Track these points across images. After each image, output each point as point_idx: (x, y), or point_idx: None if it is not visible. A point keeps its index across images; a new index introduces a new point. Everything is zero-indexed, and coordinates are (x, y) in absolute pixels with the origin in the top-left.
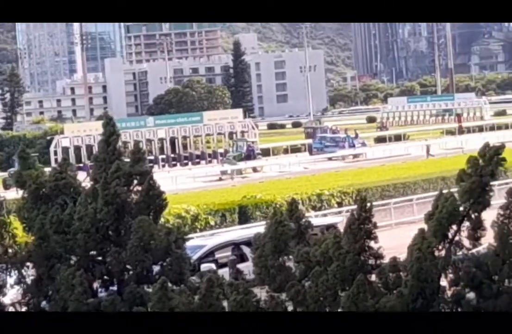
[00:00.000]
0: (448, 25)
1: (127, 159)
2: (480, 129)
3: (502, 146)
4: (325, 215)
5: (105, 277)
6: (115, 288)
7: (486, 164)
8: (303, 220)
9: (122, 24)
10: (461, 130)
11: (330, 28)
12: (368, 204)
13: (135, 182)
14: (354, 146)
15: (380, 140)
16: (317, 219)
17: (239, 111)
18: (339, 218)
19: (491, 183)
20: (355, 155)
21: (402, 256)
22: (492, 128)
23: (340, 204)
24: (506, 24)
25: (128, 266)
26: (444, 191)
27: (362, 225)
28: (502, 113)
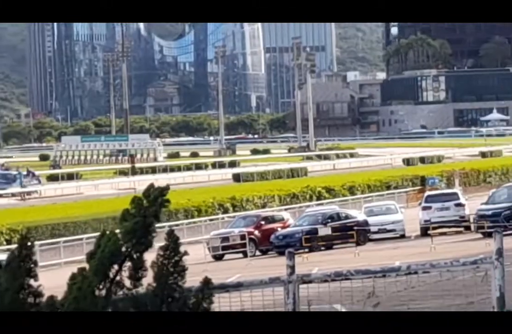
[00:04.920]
0: (124, 66)
1: None
2: (153, 170)
3: (166, 188)
4: None
5: None
6: None
7: (150, 205)
8: None
9: None
10: (134, 171)
11: (5, 64)
12: (29, 243)
13: None
14: (39, 182)
15: (52, 178)
16: None
17: None
18: (4, 256)
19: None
20: (28, 193)
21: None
22: (165, 170)
23: (9, 242)
24: (182, 67)
25: None
26: (107, 231)
27: (22, 263)
28: (175, 155)
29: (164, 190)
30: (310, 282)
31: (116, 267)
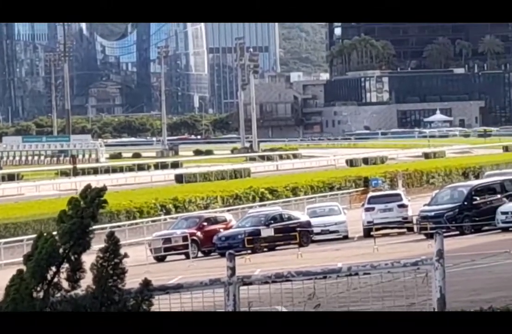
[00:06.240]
0: (66, 66)
1: None
2: (95, 171)
3: (103, 189)
4: None
5: None
6: None
7: (87, 206)
8: None
9: None
10: (75, 172)
11: None
12: None
13: None
14: None
15: None
16: None
17: None
18: None
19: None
20: None
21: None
22: (107, 170)
23: None
24: (124, 67)
25: None
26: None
27: None
28: (117, 156)
29: (101, 191)
30: (250, 283)
31: (53, 268)
